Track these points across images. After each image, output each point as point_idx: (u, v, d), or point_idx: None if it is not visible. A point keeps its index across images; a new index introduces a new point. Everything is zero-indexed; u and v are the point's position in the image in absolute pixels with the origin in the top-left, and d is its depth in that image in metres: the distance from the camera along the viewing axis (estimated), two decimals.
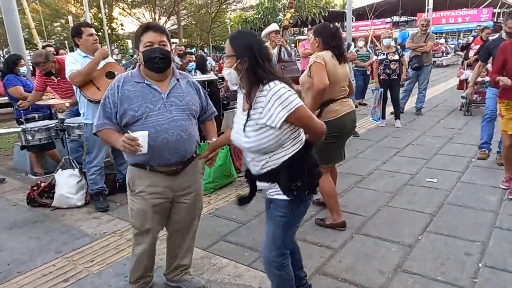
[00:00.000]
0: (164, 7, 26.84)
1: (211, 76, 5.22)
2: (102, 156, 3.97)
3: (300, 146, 1.90)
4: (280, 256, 2.01)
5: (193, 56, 5.85)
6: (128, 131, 2.04)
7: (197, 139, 2.32)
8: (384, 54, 6.60)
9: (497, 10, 34.83)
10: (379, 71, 6.55)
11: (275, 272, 2.05)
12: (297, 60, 8.08)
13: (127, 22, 30.35)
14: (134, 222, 2.32)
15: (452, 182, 4.12)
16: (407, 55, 7.74)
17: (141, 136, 1.95)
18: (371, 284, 2.51)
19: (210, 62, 12.86)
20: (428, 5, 19.31)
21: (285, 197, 1.88)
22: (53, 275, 2.77)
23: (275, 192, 1.91)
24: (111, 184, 4.25)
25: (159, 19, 27.42)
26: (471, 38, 7.89)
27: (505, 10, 31.80)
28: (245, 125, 1.85)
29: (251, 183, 2.04)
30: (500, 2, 34.34)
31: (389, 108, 7.15)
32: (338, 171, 4.70)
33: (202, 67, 6.08)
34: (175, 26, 28.54)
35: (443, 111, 7.82)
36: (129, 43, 34.43)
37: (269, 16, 25.24)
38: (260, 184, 1.98)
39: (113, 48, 32.85)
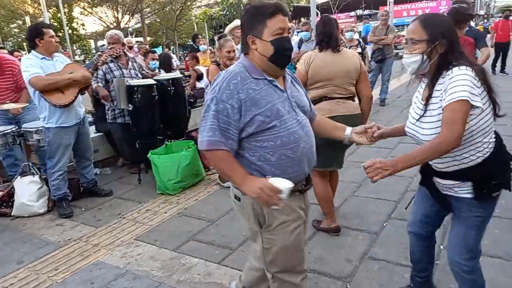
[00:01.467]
0: (127, 5, 26.21)
1: (175, 74, 5.14)
2: (65, 160, 3.85)
3: (494, 141, 1.71)
4: (472, 259, 1.85)
5: (156, 54, 5.74)
6: (262, 159, 1.61)
7: None
8: (347, 48, 6.70)
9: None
10: None
11: (466, 277, 1.88)
12: None
13: (89, 22, 29.45)
14: (282, 264, 1.76)
15: (414, 169, 4.23)
16: (370, 48, 7.91)
17: (287, 189, 1.52)
18: (339, 273, 2.56)
19: (176, 61, 12.66)
20: None
21: (470, 196, 1.74)
22: (14, 287, 2.66)
23: (465, 191, 1.75)
24: (75, 189, 4.12)
25: (122, 17, 26.78)
26: None
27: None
28: (422, 115, 1.69)
29: (428, 182, 1.90)
30: None
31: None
32: None
33: (167, 65, 5.99)
34: (139, 25, 27.97)
35: (406, 101, 8.05)
36: (92, 43, 33.43)
37: (235, 12, 25.12)
38: (442, 182, 1.81)
39: (75, 48, 31.84)
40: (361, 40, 6.91)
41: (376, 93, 8.05)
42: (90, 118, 5.51)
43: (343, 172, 4.39)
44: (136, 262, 2.89)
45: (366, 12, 36.99)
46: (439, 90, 1.63)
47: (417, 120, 1.72)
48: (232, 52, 3.96)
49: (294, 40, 7.25)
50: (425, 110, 1.68)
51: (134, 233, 3.34)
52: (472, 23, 4.70)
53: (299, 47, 6.28)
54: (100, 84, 4.45)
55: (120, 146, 4.97)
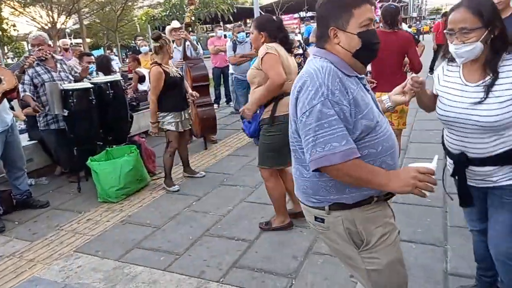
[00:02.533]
0: (62, 5, 24.79)
1: (114, 76, 4.96)
2: None
3: None
4: None
5: (92, 57, 5.48)
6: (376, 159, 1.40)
7: None
8: None
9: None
10: None
11: None
12: (207, 58, 8.05)
13: (21, 23, 27.54)
14: (394, 283, 1.55)
15: None
16: (312, 49, 8.13)
17: (435, 168, 1.36)
18: (285, 269, 2.61)
19: (118, 63, 12.21)
20: None
21: None
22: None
23: (505, 178, 1.69)
24: (7, 202, 3.84)
25: (58, 18, 25.31)
26: None
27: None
28: (485, 98, 1.60)
29: (461, 172, 1.78)
30: None
31: None
32: (246, 166, 4.79)
33: (105, 67, 5.74)
34: (77, 26, 26.59)
35: None
36: (25, 45, 31.29)
37: (178, 13, 24.69)
38: (480, 170, 1.72)
39: (6, 51, 29.59)
40: (302, 42, 7.10)
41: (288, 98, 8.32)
42: (22, 126, 5.16)
43: (290, 170, 4.49)
44: (76, 275, 2.75)
45: (309, 14, 38.05)
46: (504, 72, 1.60)
47: (476, 103, 1.62)
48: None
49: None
50: (487, 94, 1.60)
51: (73, 245, 3.17)
52: (406, 26, 5.01)
53: (234, 50, 6.34)
54: (28, 92, 4.13)
55: (56, 154, 4.69)
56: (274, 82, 2.75)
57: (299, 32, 15.64)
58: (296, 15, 36.36)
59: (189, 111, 4.34)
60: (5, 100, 3.65)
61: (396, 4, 3.78)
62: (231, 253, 2.87)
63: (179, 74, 4.21)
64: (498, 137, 1.64)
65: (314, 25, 10.69)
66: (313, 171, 1.35)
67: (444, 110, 1.75)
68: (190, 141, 5.59)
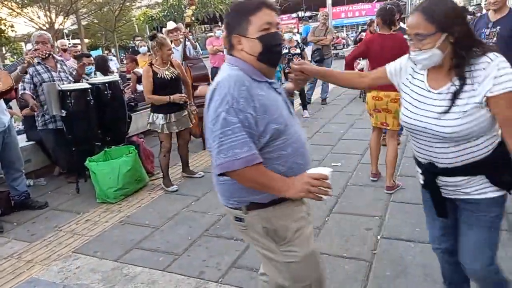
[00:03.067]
0: (60, 6, 24.76)
1: (112, 77, 4.95)
2: None
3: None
4: (495, 261, 1.68)
5: (91, 58, 5.48)
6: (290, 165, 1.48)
7: None
8: (286, 48, 6.87)
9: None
10: (284, 65, 6.80)
11: (495, 277, 1.72)
12: (206, 57, 8.05)
13: (19, 23, 27.45)
14: (309, 276, 1.61)
15: (354, 164, 4.45)
16: (310, 48, 8.14)
17: (330, 174, 1.43)
18: None
19: (116, 64, 12.20)
20: (327, 1, 20.52)
21: (496, 194, 1.57)
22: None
23: (478, 191, 1.58)
24: (5, 203, 3.83)
25: (56, 18, 25.27)
26: (363, 34, 8.57)
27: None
28: (448, 107, 1.48)
29: (432, 182, 1.66)
30: None
31: (297, 100, 7.49)
32: None
33: (102, 68, 5.74)
34: (75, 26, 26.57)
35: (345, 99, 8.40)
36: (23, 45, 31.22)
37: (176, 14, 24.69)
38: (450, 180, 1.60)
39: (4, 52, 29.55)
40: (299, 41, 7.10)
41: (317, 92, 8.33)
42: (20, 126, 5.16)
43: None
44: (74, 276, 2.74)
45: (307, 13, 38.07)
46: (475, 77, 1.45)
47: (440, 113, 1.50)
48: (171, 49, 4.10)
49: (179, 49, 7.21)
50: (452, 103, 1.48)
51: (72, 246, 3.17)
52: (404, 25, 4.99)
53: None
54: (27, 90, 4.15)
55: (54, 154, 4.68)
56: None
57: (298, 32, 15.61)
58: (294, 15, 36.35)
59: (185, 113, 4.25)
60: (1, 101, 3.64)
61: (395, 2, 3.79)
62: (230, 253, 2.87)
63: (173, 76, 4.08)
64: (465, 147, 1.52)
65: (312, 25, 10.69)
66: (218, 175, 1.43)
67: (407, 117, 1.63)
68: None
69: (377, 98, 3.70)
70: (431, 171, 1.64)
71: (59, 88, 4.01)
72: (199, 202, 3.86)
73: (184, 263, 2.80)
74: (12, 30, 26.42)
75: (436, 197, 1.70)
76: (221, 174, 1.41)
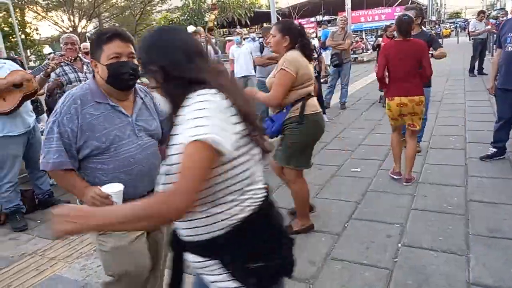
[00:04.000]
0: (83, 10, 25.39)
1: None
2: (15, 171, 3.66)
3: (259, 202, 1.21)
4: None
5: None
6: (97, 180, 1.70)
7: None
8: None
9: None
10: None
11: None
12: (225, 61, 8.10)
13: (43, 26, 28.27)
14: (109, 268, 1.83)
15: (374, 170, 4.39)
16: (329, 53, 8.09)
17: (116, 193, 1.59)
18: (303, 274, 2.59)
19: None
20: (346, 5, 20.42)
21: (231, 285, 1.16)
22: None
23: (215, 277, 1.18)
24: (29, 201, 3.93)
25: (79, 22, 25.89)
26: (380, 39, 8.46)
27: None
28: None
29: (177, 256, 1.28)
30: (410, 1, 37.39)
31: None
32: (265, 169, 4.79)
33: None
34: (98, 29, 27.15)
35: (365, 104, 8.32)
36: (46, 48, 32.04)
37: (195, 18, 24.98)
38: (190, 258, 1.22)
39: (28, 54, 30.39)
40: (316, 46, 7.06)
41: (336, 97, 8.28)
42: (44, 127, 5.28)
43: (305, 174, 4.47)
44: (96, 274, 2.79)
45: (326, 18, 37.98)
46: (179, 124, 1.12)
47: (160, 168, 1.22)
48: None
49: (242, 46, 7.24)
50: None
51: (94, 244, 3.22)
52: (425, 29, 4.95)
53: (261, 52, 6.31)
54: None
55: None
56: (270, 101, 2.91)
57: (316, 36, 15.59)
58: (312, 19, 36.33)
59: None
60: (27, 102, 3.74)
61: (417, 6, 3.75)
62: None
63: None
64: (196, 217, 1.14)
65: (331, 29, 10.66)
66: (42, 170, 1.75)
67: None
68: None
69: (401, 105, 3.74)
70: (173, 241, 1.28)
71: None
72: None
73: None
74: (37, 33, 27.19)
75: (174, 273, 1.30)
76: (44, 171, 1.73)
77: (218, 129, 1.03)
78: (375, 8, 36.70)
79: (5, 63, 3.63)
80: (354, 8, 25.33)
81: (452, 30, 38.03)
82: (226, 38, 29.97)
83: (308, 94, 2.92)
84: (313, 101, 2.97)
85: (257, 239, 1.18)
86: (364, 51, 19.94)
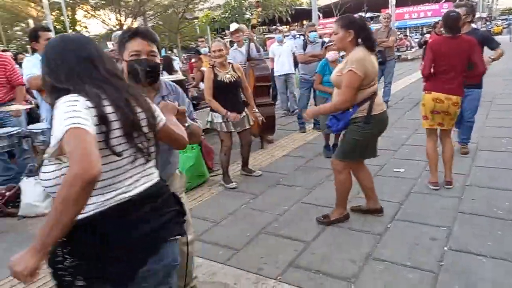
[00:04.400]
0: (129, 8, 26.32)
1: (178, 76, 5.18)
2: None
3: (113, 204, 1.25)
4: None
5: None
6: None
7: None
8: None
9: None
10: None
11: None
12: (266, 58, 8.14)
13: (92, 24, 29.61)
14: None
15: (418, 171, 4.26)
16: None
17: None
18: (344, 273, 2.57)
19: (178, 63, 12.70)
20: (390, 2, 19.83)
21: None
22: (22, 285, 2.68)
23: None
24: None
25: (125, 20, 26.87)
26: (427, 36, 8.17)
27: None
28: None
29: None
30: None
31: None
32: (302, 167, 4.78)
33: (168, 67, 6.03)
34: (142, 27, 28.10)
35: (408, 103, 8.07)
36: None
37: (237, 15, 25.19)
38: None
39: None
40: None
41: (378, 95, 8.07)
42: None
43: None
44: None
45: (368, 14, 37.07)
46: None
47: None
48: (217, 51, 4.12)
49: (285, 43, 7.23)
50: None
51: None
52: (474, 25, 4.70)
53: (304, 49, 6.28)
54: None
55: None
56: (341, 104, 2.88)
57: None
58: (356, 16, 35.55)
59: (243, 115, 4.29)
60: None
61: (467, 2, 3.59)
62: (288, 252, 2.89)
63: (232, 79, 4.16)
64: None
65: (375, 26, 10.41)
66: None
67: None
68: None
69: (437, 100, 3.59)
70: None
71: None
72: (257, 200, 3.92)
73: (242, 259, 2.86)
74: (86, 31, 28.56)
75: None
76: None
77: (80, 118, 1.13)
78: (421, 5, 35.34)
79: None
80: (398, 4, 24.57)
81: (505, 27, 35.99)
82: (266, 36, 30.04)
83: (374, 93, 2.91)
84: (379, 99, 2.96)
85: (85, 237, 1.21)
86: (408, 49, 19.29)
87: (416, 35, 31.59)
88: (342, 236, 3.06)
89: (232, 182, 4.31)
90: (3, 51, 6.79)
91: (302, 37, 6.76)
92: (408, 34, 27.70)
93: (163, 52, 28.80)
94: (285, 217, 3.49)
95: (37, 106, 4.40)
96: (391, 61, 7.61)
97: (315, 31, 6.38)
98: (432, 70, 3.67)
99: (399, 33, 15.71)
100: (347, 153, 3.09)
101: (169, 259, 1.39)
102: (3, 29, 22.19)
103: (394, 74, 8.06)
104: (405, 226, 3.12)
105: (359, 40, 2.86)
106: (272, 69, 7.72)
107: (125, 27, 25.99)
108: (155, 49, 1.83)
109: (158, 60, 1.85)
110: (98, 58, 1.33)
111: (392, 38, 7.50)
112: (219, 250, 3.00)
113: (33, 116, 5.07)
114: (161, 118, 1.45)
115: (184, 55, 19.13)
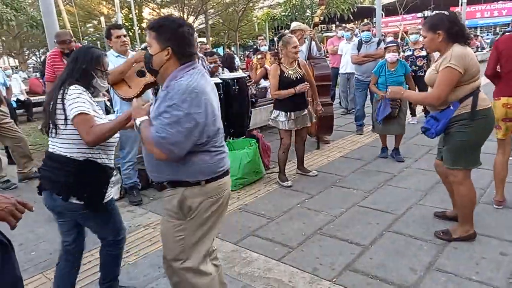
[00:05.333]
0: (192, 6, 27.16)
1: (240, 73, 5.28)
2: (134, 152, 4.12)
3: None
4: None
5: (215, 56, 5.91)
6: None
7: None
8: (410, 50, 6.47)
9: None
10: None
11: None
12: (326, 56, 8.04)
13: None
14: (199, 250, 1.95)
15: (487, 180, 4.00)
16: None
17: None
18: (403, 281, 2.49)
19: (238, 61, 12.96)
20: None
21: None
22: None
23: None
24: (144, 179, 4.38)
25: (187, 18, 27.77)
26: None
27: None
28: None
29: None
30: None
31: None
32: (360, 170, 4.67)
33: (230, 65, 6.16)
34: (203, 25, 28.87)
35: None
36: None
37: (297, 14, 25.07)
38: None
39: (142, 47, 33.57)
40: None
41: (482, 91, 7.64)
42: None
43: (408, 178, 4.27)
44: None
45: (435, 12, 35.13)
46: None
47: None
48: (296, 47, 4.16)
49: (354, 41, 7.13)
50: None
51: None
52: None
53: (359, 50, 6.12)
54: None
55: None
56: (432, 99, 2.72)
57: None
58: (419, 14, 33.94)
59: (305, 113, 4.32)
60: (148, 91, 4.15)
61: None
62: (344, 255, 2.85)
63: (298, 75, 4.20)
64: None
65: None
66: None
67: None
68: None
69: (508, 106, 3.30)
70: None
71: None
72: (313, 200, 3.90)
73: (298, 257, 2.87)
74: None
75: None
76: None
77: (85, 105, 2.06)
78: (495, 2, 32.88)
79: (132, 55, 4.07)
80: (470, 2, 23.07)
81: None
82: (324, 35, 29.59)
83: (477, 87, 2.73)
84: (483, 94, 2.76)
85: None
86: (479, 50, 18.05)
87: (487, 35, 29.46)
88: (401, 243, 2.96)
89: (288, 181, 4.33)
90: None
91: (359, 36, 6.61)
92: (479, 34, 25.92)
93: (221, 49, 29.46)
94: (342, 219, 3.44)
95: (109, 100, 4.69)
96: None
97: (368, 30, 6.21)
98: (497, 72, 3.39)
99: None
100: (454, 159, 2.81)
101: None
102: (77, 26, 23.90)
103: None
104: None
105: (451, 38, 2.67)
106: (333, 67, 7.64)
107: None
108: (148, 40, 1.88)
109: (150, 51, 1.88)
110: None
111: None
112: (274, 247, 3.04)
113: (107, 110, 5.45)
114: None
115: (246, 52, 19.41)
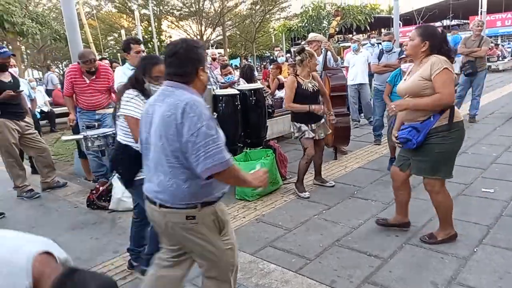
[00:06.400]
0: (210, 19, 27.63)
1: (257, 84, 5.33)
2: None
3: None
4: None
5: (229, 68, 5.99)
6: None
7: None
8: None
9: None
10: None
11: None
12: (342, 67, 8.02)
13: (175, 34, 31.51)
14: (231, 262, 2.06)
15: (511, 193, 3.89)
16: (459, 60, 7.42)
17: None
18: None
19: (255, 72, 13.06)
20: (481, 8, 18.41)
21: None
22: (112, 273, 2.94)
23: None
24: None
25: (205, 30, 28.23)
26: None
27: None
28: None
29: None
30: None
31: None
32: (378, 181, 4.61)
33: (249, 76, 6.23)
34: (220, 37, 29.31)
35: (499, 118, 7.41)
36: None
37: (313, 25, 25.17)
38: None
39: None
40: None
41: (465, 108, 7.54)
42: None
43: (422, 189, 4.18)
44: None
45: (454, 22, 34.71)
46: None
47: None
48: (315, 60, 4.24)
49: (360, 54, 7.13)
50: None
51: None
52: None
53: (379, 59, 6.08)
54: None
55: None
56: (445, 101, 2.70)
57: None
58: (438, 24, 33.60)
59: (323, 121, 4.34)
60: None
61: None
62: (363, 267, 2.81)
63: (314, 88, 4.21)
64: None
65: (464, 35, 9.73)
66: (206, 178, 1.73)
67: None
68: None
69: None
70: None
71: (213, 93, 4.50)
72: (330, 211, 3.87)
73: (315, 269, 2.84)
74: (170, 41, 30.51)
75: None
76: (208, 177, 1.74)
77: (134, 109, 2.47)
78: None
79: None
80: (490, 11, 22.73)
81: None
82: (341, 45, 29.59)
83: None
84: (456, 108, 2.85)
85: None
86: (500, 59, 17.71)
87: (509, 43, 28.90)
88: (421, 256, 2.90)
89: (305, 192, 4.31)
90: (101, 59, 7.49)
91: (379, 46, 6.58)
92: (499, 42, 25.46)
93: (237, 61, 29.76)
94: (360, 231, 3.40)
95: None
96: (482, 72, 7.07)
97: (389, 40, 6.15)
98: None
99: (491, 41, 14.52)
100: (434, 169, 2.90)
101: None
102: (99, 39, 24.57)
103: (484, 85, 7.46)
104: (494, 252, 2.87)
105: (433, 52, 2.74)
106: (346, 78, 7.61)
107: (204, 37, 27.32)
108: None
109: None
110: None
111: (485, 48, 6.96)
112: (291, 258, 3.02)
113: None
114: None
115: (263, 63, 19.55)
